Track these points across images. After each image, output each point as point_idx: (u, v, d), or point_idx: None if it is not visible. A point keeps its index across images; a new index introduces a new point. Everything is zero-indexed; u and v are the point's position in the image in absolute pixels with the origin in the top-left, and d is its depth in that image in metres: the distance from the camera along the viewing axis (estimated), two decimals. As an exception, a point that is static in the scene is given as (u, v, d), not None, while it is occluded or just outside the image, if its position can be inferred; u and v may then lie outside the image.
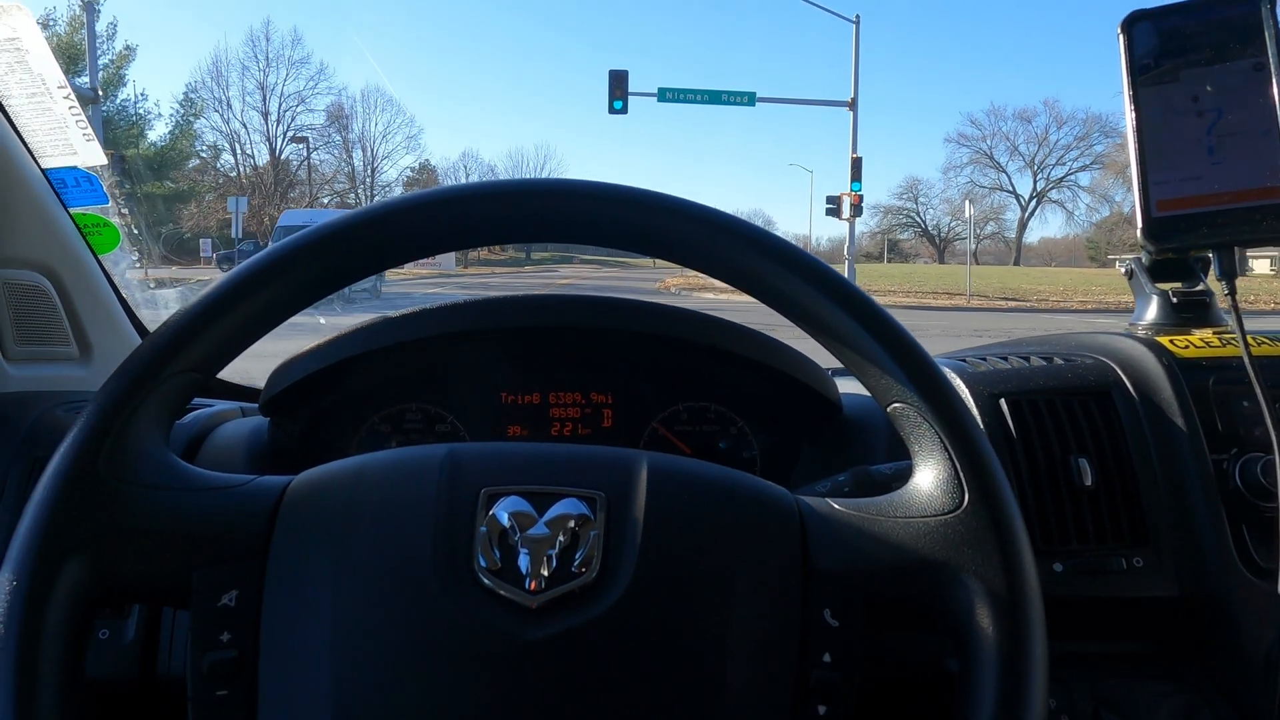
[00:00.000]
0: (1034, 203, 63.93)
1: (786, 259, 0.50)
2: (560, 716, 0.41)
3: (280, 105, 45.33)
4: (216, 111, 43.25)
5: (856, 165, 19.06)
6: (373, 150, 50.74)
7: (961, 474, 0.46)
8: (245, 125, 44.63)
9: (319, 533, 0.46)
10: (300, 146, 46.56)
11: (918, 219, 75.52)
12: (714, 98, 20.27)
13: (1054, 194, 63.96)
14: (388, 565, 0.44)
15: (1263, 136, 0.69)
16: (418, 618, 0.43)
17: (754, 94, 19.78)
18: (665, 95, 20.00)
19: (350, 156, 49.56)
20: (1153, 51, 0.72)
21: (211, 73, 44.03)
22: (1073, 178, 63.81)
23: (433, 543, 0.44)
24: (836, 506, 0.48)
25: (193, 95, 42.75)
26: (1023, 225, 65.52)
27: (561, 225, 0.52)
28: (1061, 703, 0.72)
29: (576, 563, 0.44)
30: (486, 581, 0.43)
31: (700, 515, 0.47)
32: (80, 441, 0.45)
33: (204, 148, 43.10)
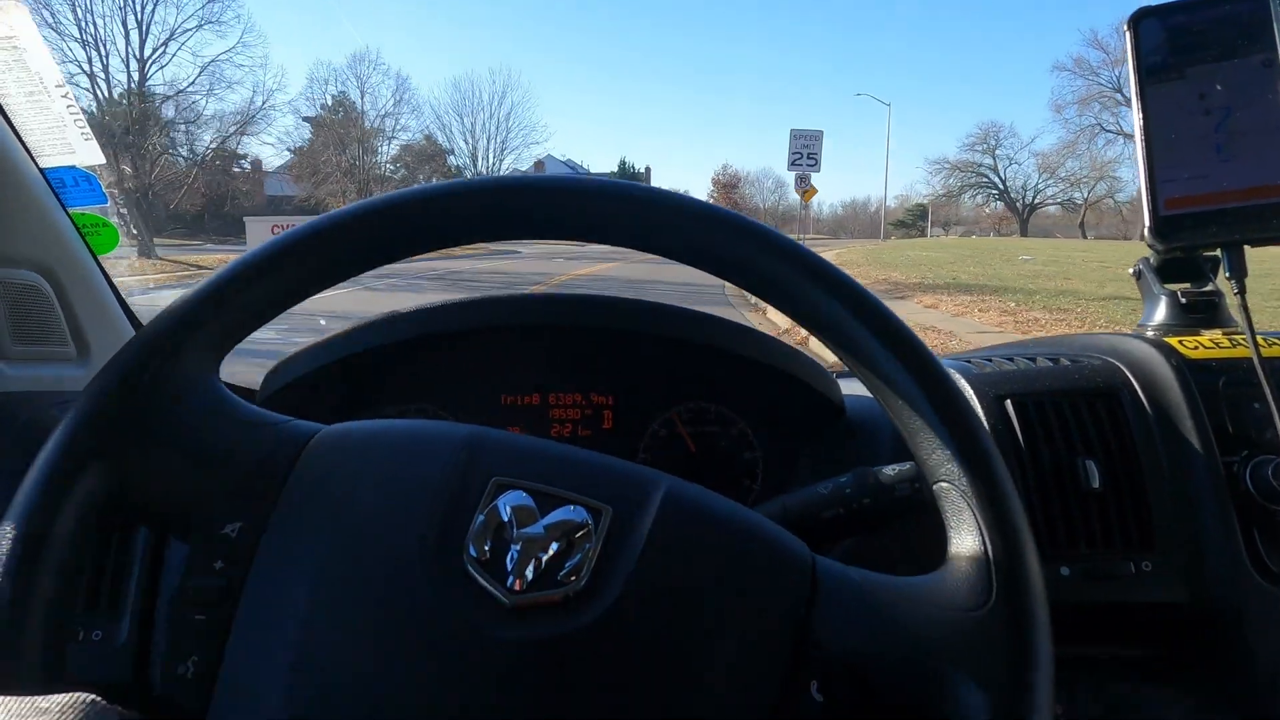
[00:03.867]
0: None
1: (866, 310, 0.47)
2: None
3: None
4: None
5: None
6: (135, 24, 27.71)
7: (993, 571, 0.44)
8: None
9: (328, 486, 0.46)
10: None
11: (995, 177, 56.14)
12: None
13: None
14: (381, 534, 0.44)
15: (1272, 134, 0.68)
16: (393, 593, 0.42)
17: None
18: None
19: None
20: (1160, 48, 0.71)
21: None
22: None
23: (428, 522, 0.44)
24: (854, 576, 0.46)
25: None
26: (1153, 184, 51.14)
27: (604, 226, 0.50)
28: (1067, 708, 0.71)
29: (564, 570, 0.43)
30: (471, 571, 0.43)
31: (705, 552, 0.45)
32: (141, 348, 0.46)
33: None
